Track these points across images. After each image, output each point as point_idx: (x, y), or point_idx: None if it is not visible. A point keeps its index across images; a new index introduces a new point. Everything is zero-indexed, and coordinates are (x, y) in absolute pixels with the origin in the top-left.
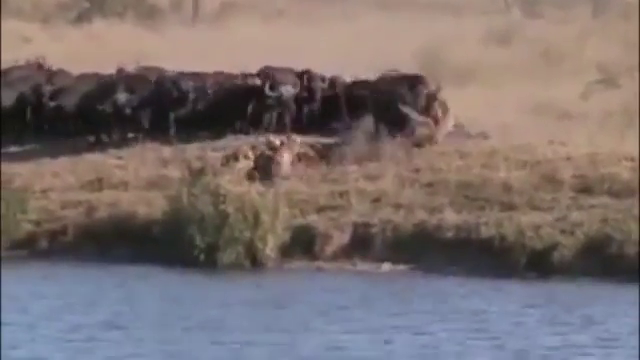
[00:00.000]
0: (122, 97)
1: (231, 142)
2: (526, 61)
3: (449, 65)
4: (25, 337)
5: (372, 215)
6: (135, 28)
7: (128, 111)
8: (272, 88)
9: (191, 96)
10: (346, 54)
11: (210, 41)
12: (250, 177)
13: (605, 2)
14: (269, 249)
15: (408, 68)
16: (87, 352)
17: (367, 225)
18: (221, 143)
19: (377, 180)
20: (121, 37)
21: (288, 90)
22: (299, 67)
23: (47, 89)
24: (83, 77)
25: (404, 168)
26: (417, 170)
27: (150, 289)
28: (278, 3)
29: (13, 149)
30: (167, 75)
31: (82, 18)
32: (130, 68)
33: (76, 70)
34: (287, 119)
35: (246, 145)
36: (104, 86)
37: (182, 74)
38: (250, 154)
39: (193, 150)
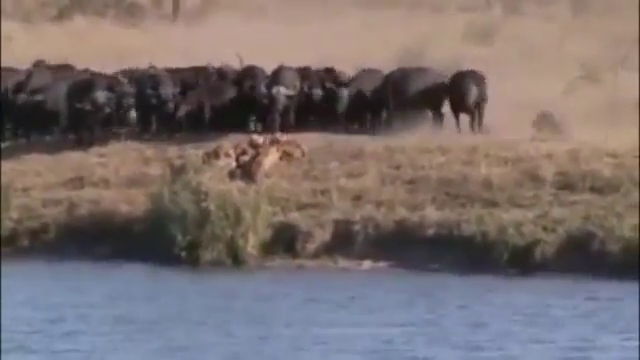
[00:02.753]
0: (101, 96)
1: (214, 140)
2: (507, 58)
3: (430, 62)
4: (8, 333)
5: (353, 213)
6: (116, 25)
7: (107, 110)
8: (268, 87)
9: (173, 96)
10: (327, 52)
11: (191, 38)
12: (232, 175)
13: None
14: (250, 247)
15: (389, 66)
16: (72, 348)
17: (348, 222)
18: (203, 141)
19: (358, 177)
20: (102, 34)
21: (279, 90)
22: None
23: (25, 87)
24: (63, 73)
25: (385, 165)
26: (398, 167)
27: (132, 287)
28: (259, 0)
29: None
30: (149, 74)
31: (62, 16)
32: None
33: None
34: (276, 117)
35: (228, 143)
36: (83, 84)
37: (169, 71)
38: (231, 152)
39: (174, 148)
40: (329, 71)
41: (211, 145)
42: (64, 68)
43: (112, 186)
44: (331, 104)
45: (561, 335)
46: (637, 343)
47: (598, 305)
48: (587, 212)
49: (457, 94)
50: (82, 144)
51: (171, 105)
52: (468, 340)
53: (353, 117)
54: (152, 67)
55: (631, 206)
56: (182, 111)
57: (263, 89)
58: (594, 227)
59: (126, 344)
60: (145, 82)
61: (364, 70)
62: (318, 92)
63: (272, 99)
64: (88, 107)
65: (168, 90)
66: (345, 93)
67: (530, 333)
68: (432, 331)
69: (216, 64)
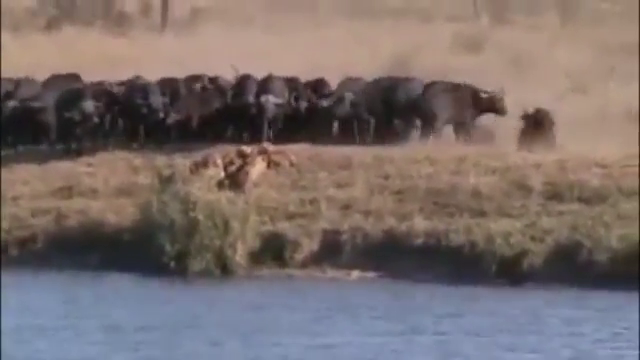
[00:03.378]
0: (89, 105)
1: (202, 149)
2: (495, 67)
3: (419, 72)
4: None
5: (342, 222)
6: (104, 35)
7: (96, 119)
8: (257, 96)
9: (161, 106)
10: (316, 62)
11: (179, 47)
12: (220, 185)
13: (573, 8)
14: (239, 256)
15: (378, 75)
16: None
17: (337, 232)
18: (192, 151)
19: (347, 187)
20: (91, 44)
21: (268, 99)
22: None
23: (14, 97)
24: (50, 83)
25: (374, 175)
26: (387, 177)
27: (121, 296)
28: (248, 10)
29: None
30: (137, 84)
31: (51, 25)
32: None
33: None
34: (265, 127)
35: (217, 153)
36: (71, 94)
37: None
38: (219, 162)
39: (163, 157)
40: (319, 82)
41: (199, 155)
42: (72, 78)
43: (100, 196)
44: (314, 115)
45: (554, 344)
46: (636, 352)
47: (587, 315)
48: (575, 222)
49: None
50: (70, 153)
51: (160, 115)
52: (458, 349)
53: (339, 127)
54: (138, 77)
55: (619, 216)
56: (171, 120)
57: (251, 98)
58: (582, 237)
59: (116, 354)
60: (134, 92)
61: (348, 79)
62: (304, 103)
63: (261, 108)
64: (77, 117)
65: (157, 100)
66: (325, 104)
67: (523, 343)
68: (422, 340)
69: (208, 74)
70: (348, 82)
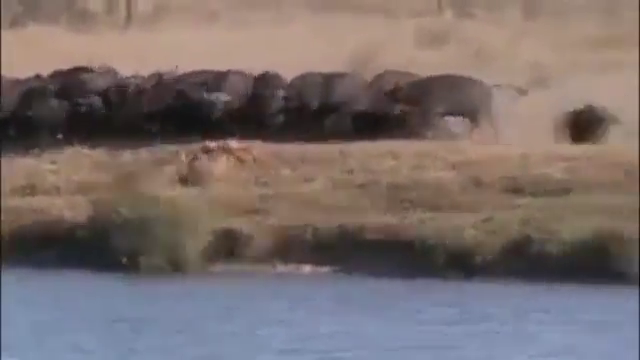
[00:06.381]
0: (54, 103)
1: (167, 146)
2: (458, 62)
3: (382, 67)
4: None
5: (296, 218)
6: (69, 32)
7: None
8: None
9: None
10: (280, 58)
11: (144, 44)
12: (182, 181)
13: (536, 3)
14: (191, 252)
15: (342, 70)
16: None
17: (289, 228)
18: (156, 148)
19: (309, 182)
20: (55, 41)
21: (219, 97)
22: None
23: None
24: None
25: (338, 170)
26: (351, 171)
27: (75, 293)
28: (212, 6)
29: None
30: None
31: (16, 22)
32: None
33: (11, 74)
34: (216, 123)
35: (181, 149)
36: (35, 92)
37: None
38: (183, 158)
39: (128, 155)
40: (267, 76)
41: (166, 151)
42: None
43: (62, 193)
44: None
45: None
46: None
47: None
48: (529, 215)
49: None
50: (34, 150)
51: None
52: (421, 340)
53: (294, 122)
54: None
55: (575, 210)
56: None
57: (204, 95)
58: (534, 231)
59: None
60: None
61: (303, 75)
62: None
63: (210, 105)
64: (39, 116)
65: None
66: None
67: (484, 333)
68: (381, 332)
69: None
70: (303, 77)
